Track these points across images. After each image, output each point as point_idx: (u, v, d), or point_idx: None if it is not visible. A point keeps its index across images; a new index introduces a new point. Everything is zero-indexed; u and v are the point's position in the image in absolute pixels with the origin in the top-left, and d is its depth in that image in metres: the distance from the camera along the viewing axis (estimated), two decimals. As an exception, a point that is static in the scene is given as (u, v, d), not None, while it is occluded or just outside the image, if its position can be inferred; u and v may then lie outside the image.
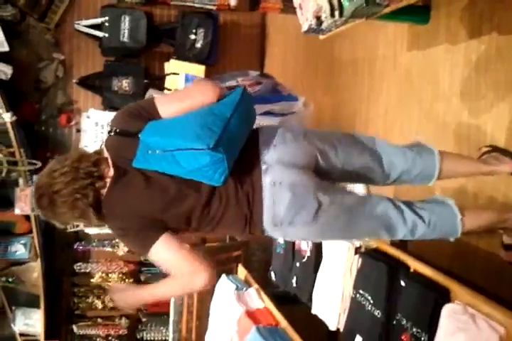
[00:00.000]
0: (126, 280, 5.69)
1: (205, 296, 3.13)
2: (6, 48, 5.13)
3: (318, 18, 2.63)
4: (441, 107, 2.71)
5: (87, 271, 5.69)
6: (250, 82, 2.29)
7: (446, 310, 1.50)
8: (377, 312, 1.80)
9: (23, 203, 4.68)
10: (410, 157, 1.90)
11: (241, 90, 1.78)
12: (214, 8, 4.95)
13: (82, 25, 5.44)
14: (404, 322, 1.67)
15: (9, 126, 5.10)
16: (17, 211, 4.75)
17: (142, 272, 5.78)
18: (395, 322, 1.72)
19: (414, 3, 2.31)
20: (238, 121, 1.70)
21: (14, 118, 5.10)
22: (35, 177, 5.05)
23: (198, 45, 5.29)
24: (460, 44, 2.54)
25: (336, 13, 2.46)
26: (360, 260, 1.95)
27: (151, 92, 2.39)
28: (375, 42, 3.46)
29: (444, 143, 2.66)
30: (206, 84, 1.80)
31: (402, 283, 1.70)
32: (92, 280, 5.68)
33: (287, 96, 2.33)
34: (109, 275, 5.67)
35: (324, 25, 2.66)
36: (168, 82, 5.27)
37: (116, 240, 5.61)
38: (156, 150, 1.65)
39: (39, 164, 5.16)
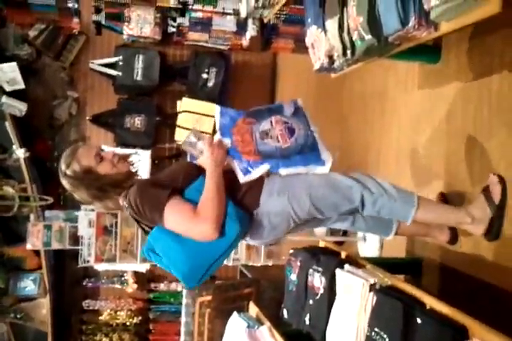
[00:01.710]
0: (135, 317, 5.64)
1: (216, 334, 3.09)
2: (21, 86, 5.25)
3: (330, 57, 2.68)
4: (452, 146, 2.71)
5: (96, 308, 5.66)
6: (283, 127, 2.20)
7: (464, 348, 1.47)
8: (393, 351, 1.76)
9: (35, 238, 4.69)
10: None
11: (237, 232, 1.99)
12: (226, 48, 5.05)
13: (96, 64, 5.57)
14: (420, 360, 1.63)
15: (22, 162, 5.17)
16: (29, 246, 4.76)
17: (151, 310, 5.74)
18: (411, 361, 1.68)
19: (425, 43, 2.34)
20: (224, 258, 2.04)
21: (27, 154, 5.17)
22: (47, 212, 5.09)
23: (210, 83, 5.40)
24: (471, 83, 2.56)
25: (348, 52, 2.50)
26: (374, 297, 1.92)
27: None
28: (386, 81, 3.50)
29: (456, 181, 2.66)
30: (208, 227, 1.92)
31: (418, 321, 1.67)
32: (100, 317, 5.64)
33: (316, 159, 2.22)
34: (118, 312, 5.62)
35: (336, 64, 2.70)
36: (180, 120, 5.36)
37: (126, 277, 5.59)
38: (155, 256, 2.05)
39: (51, 200, 5.20)
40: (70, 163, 2.06)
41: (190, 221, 1.93)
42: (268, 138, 2.16)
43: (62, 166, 2.08)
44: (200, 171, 2.08)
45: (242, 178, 2.14)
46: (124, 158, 2.17)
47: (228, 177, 2.10)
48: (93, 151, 2.09)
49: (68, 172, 2.06)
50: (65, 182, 2.09)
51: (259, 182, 2.15)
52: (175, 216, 1.95)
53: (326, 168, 2.20)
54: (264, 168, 2.16)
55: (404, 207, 2.16)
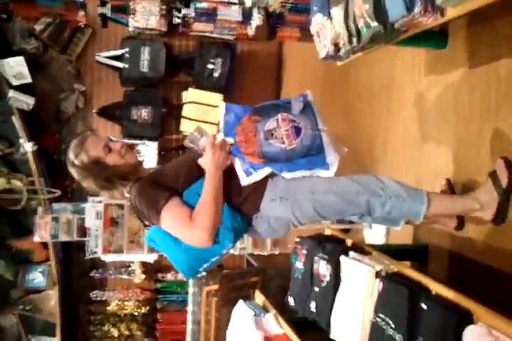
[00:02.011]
0: (143, 307, 5.67)
1: (223, 323, 3.10)
2: (28, 80, 5.27)
3: (336, 45, 2.66)
4: (461, 131, 2.70)
5: (104, 298, 5.69)
6: (289, 126, 2.09)
7: (469, 332, 1.47)
8: (398, 337, 1.76)
9: (43, 230, 4.71)
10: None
11: (230, 242, 2.03)
12: (232, 38, 5.03)
13: (102, 56, 5.57)
14: (426, 346, 1.63)
15: (30, 155, 5.19)
16: (36, 238, 4.79)
17: (159, 299, 5.77)
18: (416, 346, 1.68)
19: (432, 29, 2.32)
20: (220, 259, 2.10)
21: (35, 147, 5.19)
22: (54, 205, 5.11)
23: (216, 74, 5.38)
24: (479, 68, 2.54)
25: (354, 39, 2.49)
26: (380, 284, 1.92)
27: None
28: (393, 68, 3.48)
29: (464, 167, 2.65)
30: (201, 235, 1.93)
31: (424, 306, 1.67)
32: (108, 308, 5.67)
33: (321, 163, 2.12)
34: (126, 303, 5.65)
35: (342, 52, 2.69)
36: (186, 111, 5.35)
37: (133, 267, 5.62)
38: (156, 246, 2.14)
39: (58, 192, 5.23)
40: (79, 153, 2.07)
41: (185, 227, 1.95)
42: (273, 139, 2.09)
43: (71, 155, 2.09)
44: (202, 171, 2.07)
45: (244, 180, 2.11)
46: (132, 148, 2.18)
47: (229, 177, 2.09)
48: (102, 142, 2.10)
49: (76, 162, 2.07)
50: (73, 172, 2.10)
51: (261, 185, 2.13)
52: (171, 220, 1.98)
53: (331, 173, 2.13)
54: (266, 171, 2.13)
55: (414, 206, 2.11)
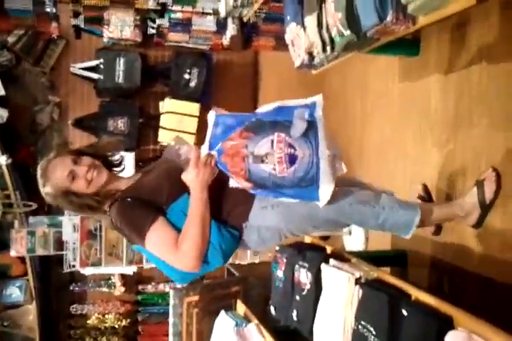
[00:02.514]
0: (124, 320, 5.61)
1: (205, 334, 3.08)
2: (1, 92, 5.21)
3: (310, 54, 2.68)
4: (435, 137, 2.73)
5: (84, 312, 5.63)
6: (283, 154, 1.81)
7: (450, 337, 1.47)
8: (380, 344, 1.76)
9: (19, 245, 4.65)
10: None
11: (220, 264, 1.99)
12: (207, 48, 5.04)
13: (77, 67, 5.54)
14: (407, 352, 1.63)
15: (4, 168, 5.12)
16: (13, 253, 4.72)
17: (140, 312, 5.71)
18: (398, 352, 1.69)
19: (404, 36, 2.35)
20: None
21: (10, 160, 5.13)
22: (31, 218, 5.04)
23: (193, 83, 5.38)
24: (451, 74, 2.58)
25: (328, 48, 2.51)
26: (360, 291, 1.92)
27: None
28: (367, 75, 3.52)
29: (440, 172, 2.68)
30: (188, 263, 1.88)
31: (404, 312, 1.67)
32: (88, 321, 5.61)
33: (311, 195, 1.88)
34: (106, 316, 5.59)
35: (316, 61, 2.71)
36: (164, 121, 5.34)
37: (113, 280, 5.56)
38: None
39: (34, 206, 5.16)
40: (44, 184, 1.98)
41: (171, 253, 1.88)
42: (263, 163, 1.85)
43: (39, 184, 2.01)
44: (186, 185, 1.92)
45: (233, 183, 1.95)
46: (99, 166, 2.02)
47: (214, 186, 1.94)
48: (65, 169, 1.96)
49: (45, 191, 1.99)
50: (46, 198, 2.02)
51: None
52: (156, 245, 1.91)
53: (322, 204, 1.89)
54: None
55: (408, 216, 2.02)
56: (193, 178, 1.86)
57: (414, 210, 2.03)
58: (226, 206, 2.01)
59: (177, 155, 2.03)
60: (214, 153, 1.88)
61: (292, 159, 1.83)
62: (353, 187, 2.08)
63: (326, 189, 1.86)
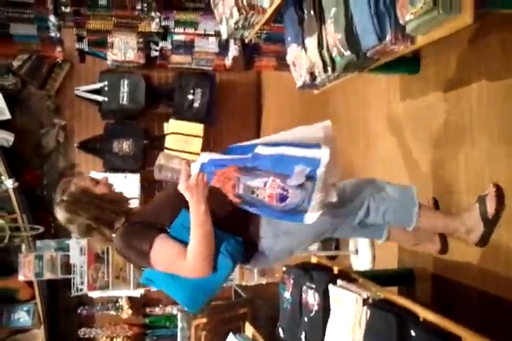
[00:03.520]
0: (131, 344, 5.59)
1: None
2: (7, 116, 5.25)
3: (311, 74, 2.70)
4: (437, 155, 2.74)
5: (92, 336, 5.60)
6: (275, 193, 1.81)
7: (460, 358, 1.47)
8: (389, 365, 1.75)
9: (27, 269, 4.64)
10: None
11: (229, 267, 1.98)
12: (210, 68, 5.08)
13: (81, 90, 5.59)
14: (417, 373, 1.62)
15: (11, 192, 5.14)
16: (21, 277, 4.71)
17: (148, 335, 5.68)
18: (408, 374, 1.67)
19: (404, 55, 2.37)
20: (219, 287, 2.05)
21: (16, 184, 5.15)
22: (38, 242, 5.05)
23: (196, 104, 5.42)
24: (451, 92, 2.59)
25: (329, 68, 2.53)
26: (368, 312, 1.91)
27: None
28: (368, 94, 3.53)
29: (442, 189, 2.68)
30: (198, 273, 1.90)
31: (412, 333, 1.66)
32: (96, 345, 5.58)
33: (298, 219, 1.90)
34: (114, 339, 5.56)
35: (318, 81, 2.73)
36: (168, 142, 5.36)
37: (120, 303, 5.54)
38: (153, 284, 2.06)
39: (42, 229, 5.17)
40: (66, 188, 2.01)
41: (178, 263, 1.91)
42: (253, 195, 1.86)
43: (58, 196, 2.01)
44: (185, 203, 1.92)
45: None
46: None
47: (218, 201, 1.96)
48: (87, 177, 2.09)
49: (65, 197, 1.99)
50: (60, 211, 1.99)
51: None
52: (163, 259, 1.93)
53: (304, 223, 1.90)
54: None
55: (407, 207, 2.15)
56: (189, 198, 1.87)
57: (413, 201, 2.16)
58: (229, 216, 2.05)
59: (167, 172, 1.90)
60: (204, 173, 1.85)
61: (282, 198, 1.83)
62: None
63: (312, 215, 1.87)
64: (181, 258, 1.89)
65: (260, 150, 1.89)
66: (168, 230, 1.98)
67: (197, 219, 1.90)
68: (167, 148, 5.38)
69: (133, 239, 1.96)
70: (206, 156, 1.89)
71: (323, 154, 1.81)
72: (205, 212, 1.90)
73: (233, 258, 1.99)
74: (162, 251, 1.92)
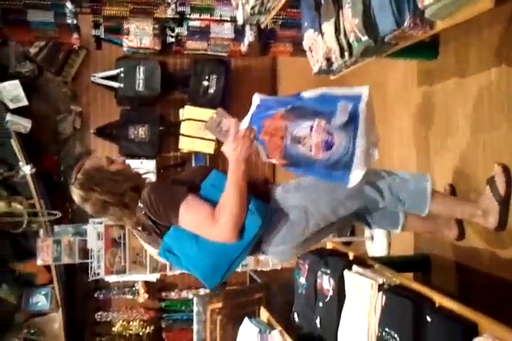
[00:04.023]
0: (148, 327, 5.64)
1: (229, 340, 3.09)
2: (25, 103, 5.29)
3: (328, 60, 2.69)
4: (455, 141, 2.72)
5: (108, 319, 5.66)
6: (321, 139, 1.87)
7: (475, 344, 1.47)
8: (404, 350, 1.75)
9: (45, 253, 4.70)
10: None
11: (258, 225, 1.92)
12: (226, 54, 5.06)
13: (98, 77, 5.59)
14: (432, 358, 1.62)
15: (29, 178, 5.19)
16: (39, 262, 4.77)
17: (163, 319, 5.74)
18: (423, 359, 1.67)
19: (422, 40, 2.34)
20: (245, 254, 2.00)
21: (34, 170, 5.19)
22: (55, 227, 5.10)
23: (211, 90, 5.41)
24: (471, 77, 2.56)
25: (346, 53, 2.52)
26: (383, 297, 1.91)
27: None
28: (385, 80, 3.51)
29: (461, 174, 2.66)
30: (226, 233, 1.85)
31: (428, 319, 1.66)
32: (113, 328, 5.64)
33: (341, 177, 1.95)
34: (130, 323, 5.62)
35: (335, 66, 2.72)
36: (184, 128, 5.37)
37: (136, 287, 5.60)
38: (173, 256, 1.99)
39: (59, 214, 5.23)
40: (81, 168, 2.00)
41: (207, 224, 1.86)
42: (300, 145, 1.93)
43: (73, 175, 2.01)
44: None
45: (265, 158, 2.04)
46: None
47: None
48: (103, 157, 2.08)
49: (79, 175, 1.99)
50: (76, 190, 1.99)
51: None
52: (191, 217, 1.89)
53: (348, 187, 1.99)
54: None
55: (420, 183, 2.14)
56: (232, 151, 1.89)
57: (425, 178, 2.15)
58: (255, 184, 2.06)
59: (217, 127, 1.97)
60: (254, 127, 1.93)
61: (328, 146, 1.89)
62: None
63: (357, 174, 1.93)
64: (211, 220, 1.85)
65: (304, 93, 2.01)
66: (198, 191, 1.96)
67: (235, 176, 1.88)
68: (183, 135, 5.39)
69: (165, 191, 1.94)
70: (257, 97, 2.02)
71: (363, 90, 1.99)
72: (244, 171, 1.90)
73: (261, 214, 1.94)
74: (193, 208, 1.88)
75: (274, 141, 1.94)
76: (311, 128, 1.90)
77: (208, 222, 1.85)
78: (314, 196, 2.05)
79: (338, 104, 1.91)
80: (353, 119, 1.91)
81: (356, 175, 1.94)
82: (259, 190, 2.05)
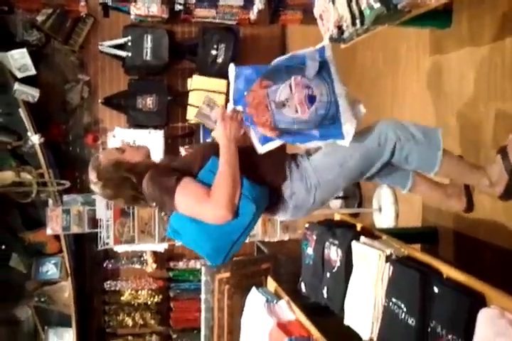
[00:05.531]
0: (156, 296, 5.71)
1: (236, 310, 3.12)
2: (33, 71, 5.25)
3: (339, 28, 2.64)
4: (467, 110, 2.68)
5: (117, 288, 5.73)
6: (303, 95, 1.93)
7: (482, 315, 1.46)
8: (411, 321, 1.75)
9: (55, 223, 4.74)
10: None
11: (252, 211, 1.95)
12: (234, 23, 5.00)
13: (105, 45, 5.54)
14: (439, 329, 1.62)
15: (38, 147, 5.20)
16: (49, 231, 4.81)
17: (171, 288, 5.80)
18: (429, 329, 1.67)
19: (436, 8, 2.28)
20: (246, 235, 2.01)
21: (42, 139, 5.19)
22: (64, 197, 5.13)
23: (220, 60, 5.35)
24: (484, 47, 2.51)
25: (357, 21, 2.47)
26: (391, 268, 1.91)
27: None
28: (397, 48, 3.45)
29: (473, 145, 2.63)
30: (221, 210, 1.88)
31: (436, 290, 1.66)
32: (121, 297, 5.72)
33: (335, 133, 2.00)
34: (139, 292, 5.69)
35: (346, 34, 2.67)
36: (192, 98, 5.33)
37: (145, 257, 5.65)
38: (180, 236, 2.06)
39: (68, 184, 5.25)
40: (97, 166, 2.10)
41: (201, 204, 1.91)
42: (285, 108, 1.97)
43: (91, 174, 2.11)
44: (218, 150, 2.02)
45: (260, 149, 2.05)
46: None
47: (245, 150, 2.04)
48: (111, 150, 2.19)
49: (100, 175, 2.09)
50: (102, 190, 2.11)
51: (279, 154, 2.12)
52: (186, 199, 1.94)
53: (346, 142, 2.01)
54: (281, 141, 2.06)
55: (431, 151, 2.11)
56: (221, 132, 1.97)
57: (437, 144, 2.11)
58: (259, 168, 2.08)
59: (207, 115, 2.05)
60: (239, 107, 2.01)
61: (311, 99, 1.96)
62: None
63: (349, 126, 1.99)
64: (205, 199, 1.90)
65: (275, 60, 2.09)
66: (196, 175, 2.01)
67: (226, 155, 1.95)
68: (191, 105, 5.36)
69: (161, 175, 1.99)
70: (232, 67, 2.09)
71: (324, 43, 2.11)
72: (235, 151, 1.96)
73: (256, 203, 1.97)
74: (188, 190, 1.93)
75: (260, 111, 1.98)
76: (290, 87, 1.96)
77: (202, 201, 1.90)
78: (333, 187, 2.12)
79: (306, 56, 2.01)
80: (324, 67, 2.00)
81: (348, 129, 1.99)
82: (270, 173, 2.08)
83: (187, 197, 1.93)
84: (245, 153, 2.03)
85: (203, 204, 1.90)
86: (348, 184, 2.18)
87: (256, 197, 1.97)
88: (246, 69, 2.06)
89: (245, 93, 2.01)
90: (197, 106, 5.26)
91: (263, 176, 2.06)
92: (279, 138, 2.02)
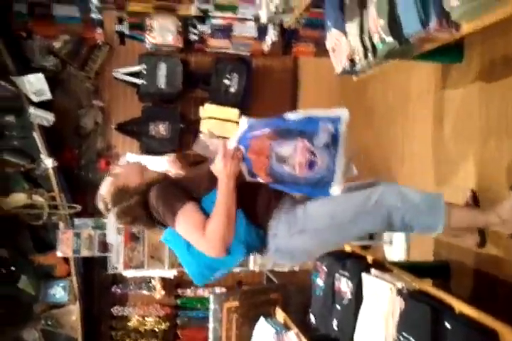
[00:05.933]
0: (163, 323, 5.67)
1: (245, 339, 3.09)
2: (48, 96, 5.32)
3: (351, 60, 2.67)
4: (477, 147, 2.68)
5: (125, 314, 5.70)
6: (305, 159, 1.97)
7: (495, 353, 1.45)
8: (422, 356, 1.74)
9: (65, 245, 4.75)
10: None
11: (242, 256, 2.06)
12: (248, 53, 5.07)
13: (120, 73, 5.62)
14: (450, 366, 1.61)
15: (51, 171, 5.25)
16: (59, 253, 4.83)
17: (179, 316, 5.76)
18: (440, 366, 1.66)
19: (448, 43, 2.31)
20: (229, 270, 2.18)
21: (55, 163, 5.24)
22: (76, 220, 5.15)
23: (232, 89, 5.41)
24: (495, 82, 2.52)
25: (370, 54, 2.50)
26: (402, 302, 1.90)
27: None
28: (408, 82, 3.47)
29: (484, 181, 2.63)
30: (214, 247, 1.95)
31: (448, 325, 1.65)
32: (129, 323, 5.68)
33: (324, 193, 2.05)
34: (146, 318, 5.66)
35: (358, 67, 2.70)
36: (204, 126, 5.38)
37: (153, 283, 5.63)
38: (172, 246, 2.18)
39: (79, 208, 5.27)
40: (104, 200, 2.14)
41: (197, 236, 1.97)
42: (284, 164, 2.01)
43: (103, 200, 2.15)
44: None
45: (248, 178, 2.08)
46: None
47: (244, 182, 2.07)
48: (110, 178, 2.18)
49: (109, 206, 2.13)
50: (118, 219, 2.14)
51: (279, 191, 2.12)
52: (186, 225, 1.99)
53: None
54: None
55: (433, 222, 2.05)
56: (221, 169, 2.00)
57: (440, 216, 2.04)
58: (253, 202, 2.11)
59: (206, 147, 2.16)
60: (241, 147, 2.03)
61: (311, 164, 2.00)
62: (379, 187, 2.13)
63: (336, 189, 2.03)
64: (202, 233, 1.95)
65: (289, 115, 2.09)
66: (201, 202, 2.05)
67: (224, 191, 1.99)
68: (202, 133, 5.40)
69: (169, 194, 2.04)
70: (245, 120, 2.10)
71: (342, 112, 2.09)
72: (233, 189, 2.00)
73: (248, 247, 2.05)
74: (188, 218, 1.98)
75: (260, 159, 2.02)
76: (295, 147, 2.00)
77: (199, 235, 1.96)
78: (318, 239, 2.10)
79: (320, 125, 2.02)
80: (334, 140, 2.02)
81: (335, 190, 2.03)
82: (263, 209, 2.11)
83: (186, 225, 1.99)
84: (245, 184, 2.06)
85: (199, 237, 1.96)
86: (337, 241, 2.18)
87: (249, 241, 2.05)
88: (257, 122, 2.10)
89: (250, 135, 2.05)
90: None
91: (257, 210, 2.10)
92: (272, 185, 2.07)
